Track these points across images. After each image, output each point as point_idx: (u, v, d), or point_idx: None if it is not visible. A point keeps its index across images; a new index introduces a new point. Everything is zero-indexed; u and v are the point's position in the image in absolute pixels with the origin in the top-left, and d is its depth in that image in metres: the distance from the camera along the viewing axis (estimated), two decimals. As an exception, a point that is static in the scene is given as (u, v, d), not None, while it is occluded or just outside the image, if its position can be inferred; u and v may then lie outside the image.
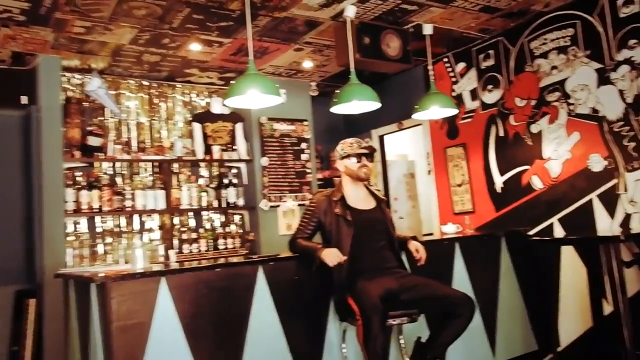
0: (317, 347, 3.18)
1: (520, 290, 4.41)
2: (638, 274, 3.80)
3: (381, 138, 6.21)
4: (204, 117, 5.36)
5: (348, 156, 3.23)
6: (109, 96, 4.81)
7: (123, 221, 4.86)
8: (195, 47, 4.53)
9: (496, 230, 4.61)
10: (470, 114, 5.06)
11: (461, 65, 5.13)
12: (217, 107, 5.42)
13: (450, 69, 5.23)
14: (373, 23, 4.18)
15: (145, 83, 5.24)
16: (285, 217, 5.38)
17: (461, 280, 4.02)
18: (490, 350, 4.04)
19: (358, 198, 3.28)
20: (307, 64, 5.20)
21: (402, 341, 3.26)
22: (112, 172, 4.85)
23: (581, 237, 4.02)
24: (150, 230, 4.98)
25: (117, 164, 4.88)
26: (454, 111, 4.28)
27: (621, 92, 3.92)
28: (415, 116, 4.35)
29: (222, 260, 3.87)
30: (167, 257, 4.76)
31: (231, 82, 3.33)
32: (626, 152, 3.90)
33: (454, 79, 5.19)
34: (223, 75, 5.30)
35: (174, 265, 3.64)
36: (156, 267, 3.04)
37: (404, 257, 3.31)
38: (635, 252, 3.80)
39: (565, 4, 4.21)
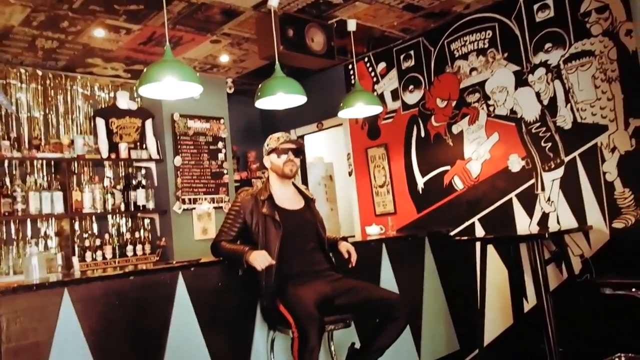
0: (244, 359, 2.91)
1: (443, 290, 4.41)
2: (556, 271, 3.91)
3: (301, 138, 6.03)
4: (109, 112, 4.89)
5: (274, 151, 3.01)
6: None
7: (13, 228, 4.28)
8: (99, 34, 4.08)
9: (418, 231, 4.59)
10: (392, 114, 5.02)
11: (382, 65, 5.09)
12: (124, 101, 4.96)
13: (371, 69, 5.17)
14: (297, 15, 4.00)
15: (40, 73, 4.67)
16: (201, 220, 5.04)
17: (388, 281, 3.94)
18: (416, 352, 3.99)
19: (286, 197, 3.07)
20: (224, 58, 4.91)
21: (332, 348, 3.08)
22: (-1, 172, 4.26)
23: (504, 235, 4.08)
24: (46, 236, 4.43)
25: (6, 163, 4.30)
26: (379, 109, 4.20)
27: (538, 94, 4.04)
28: (340, 114, 4.22)
29: (133, 268, 3.48)
30: (68, 265, 4.24)
31: (145, 69, 2.98)
32: (543, 153, 4.01)
33: (374, 79, 5.14)
34: (130, 67, 4.86)
35: (78, 274, 3.20)
36: (56, 277, 2.62)
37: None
38: (552, 250, 3.90)
39: (485, 6, 4.28)
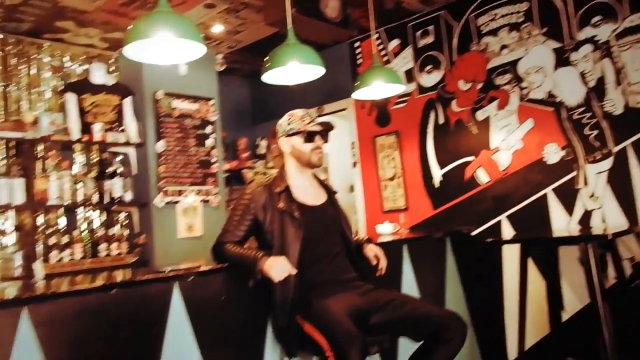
0: (254, 392, 2.33)
1: (465, 298, 3.90)
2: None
3: (296, 125, 5.44)
4: (82, 87, 4.19)
5: (296, 133, 2.43)
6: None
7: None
8: (72, -10, 3.42)
9: (435, 230, 4.06)
10: (405, 99, 4.46)
11: (395, 43, 4.52)
12: (100, 75, 4.26)
13: (382, 47, 4.60)
14: (310, -25, 3.40)
15: (-1, 37, 3.97)
16: (186, 215, 4.39)
17: (410, 289, 3.41)
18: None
19: (306, 190, 2.50)
20: (217, 28, 4.28)
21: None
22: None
23: (540, 236, 3.57)
24: (3, 233, 3.74)
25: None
26: (401, 87, 3.62)
27: (582, 74, 3.54)
28: (355, 95, 3.63)
29: (106, 275, 2.83)
30: (28, 268, 3.56)
31: (134, 23, 2.34)
32: (587, 142, 3.52)
33: (385, 58, 4.57)
34: (108, 35, 4.18)
35: (41, 281, 2.54)
36: (11, 290, 1.98)
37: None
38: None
39: (520, -25, 3.77)
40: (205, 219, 4.47)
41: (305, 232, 2.33)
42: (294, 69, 2.95)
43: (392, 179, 4.55)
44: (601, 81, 3.46)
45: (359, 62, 4.75)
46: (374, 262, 2.56)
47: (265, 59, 2.96)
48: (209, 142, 4.63)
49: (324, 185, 2.63)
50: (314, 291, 2.27)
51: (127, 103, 4.33)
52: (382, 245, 3.19)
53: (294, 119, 2.46)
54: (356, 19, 3.96)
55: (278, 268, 2.16)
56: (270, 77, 3.03)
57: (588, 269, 3.00)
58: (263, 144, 5.57)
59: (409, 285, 3.43)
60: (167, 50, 2.49)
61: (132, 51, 2.40)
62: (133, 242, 4.22)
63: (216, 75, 4.81)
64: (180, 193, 4.38)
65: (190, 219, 4.41)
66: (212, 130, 4.66)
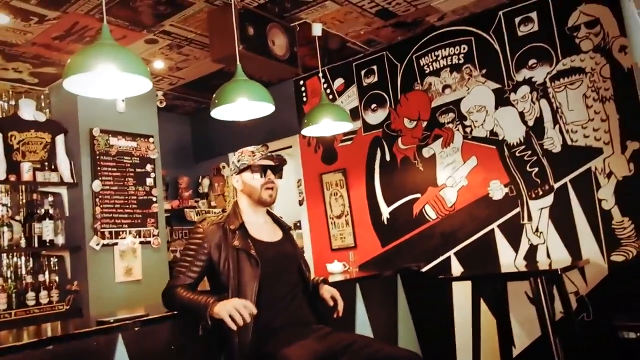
0: None
1: (416, 335, 3.87)
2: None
3: (240, 163, 5.32)
4: (10, 124, 3.92)
5: (247, 168, 2.35)
6: None
7: None
8: (1, 19, 3.20)
9: (384, 268, 4.03)
10: (351, 136, 4.47)
11: (339, 81, 4.56)
12: (29, 111, 4.01)
13: (326, 85, 4.62)
14: (258, 12, 3.36)
15: None
16: (124, 258, 4.12)
17: (363, 327, 3.35)
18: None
19: (261, 227, 2.40)
20: (159, 65, 4.15)
21: None
22: None
23: (490, 272, 3.60)
24: None
25: None
26: (349, 126, 3.63)
27: (522, 114, 3.67)
28: (304, 132, 3.59)
29: (38, 329, 2.57)
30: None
31: (73, 56, 2.19)
32: (529, 178, 3.62)
33: (330, 97, 4.58)
34: (38, 69, 3.95)
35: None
36: None
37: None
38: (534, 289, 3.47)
39: (460, 18, 3.90)
40: (145, 262, 4.22)
41: (262, 270, 2.22)
42: (243, 105, 2.88)
43: (339, 216, 4.50)
44: (540, 120, 3.59)
45: (304, 99, 4.74)
46: (331, 304, 2.47)
47: (214, 95, 2.87)
48: (149, 181, 4.43)
49: (279, 222, 2.54)
50: (273, 337, 2.14)
51: (60, 141, 4.08)
52: (336, 285, 3.10)
53: (244, 154, 2.39)
54: (302, 57, 3.95)
55: (231, 310, 2.02)
56: (219, 113, 2.94)
57: (539, 304, 3.04)
58: (205, 182, 5.40)
59: (363, 325, 3.36)
60: (110, 84, 2.36)
61: (72, 84, 2.26)
62: (65, 289, 3.91)
63: (156, 112, 4.65)
64: (118, 235, 4.12)
65: (128, 262, 4.15)
66: (152, 169, 4.47)
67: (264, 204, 2.39)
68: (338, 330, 2.32)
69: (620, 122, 3.31)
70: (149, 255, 4.26)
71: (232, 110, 2.95)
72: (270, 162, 2.37)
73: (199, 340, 2.13)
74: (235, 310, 2.02)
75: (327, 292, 2.49)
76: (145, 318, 2.09)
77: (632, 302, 3.14)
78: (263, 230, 2.38)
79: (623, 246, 3.29)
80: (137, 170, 4.36)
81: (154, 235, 4.35)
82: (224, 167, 5.37)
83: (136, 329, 2.01)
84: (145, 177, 4.41)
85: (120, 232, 4.14)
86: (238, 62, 2.94)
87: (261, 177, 2.34)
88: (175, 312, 2.18)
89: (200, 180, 5.44)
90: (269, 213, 2.51)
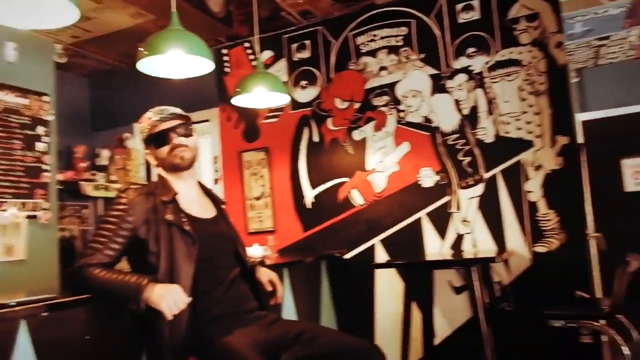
0: None
1: (336, 322, 3.71)
2: (468, 301, 3.47)
3: (147, 135, 4.81)
4: None
5: (150, 138, 1.99)
6: None
7: None
8: None
9: (304, 254, 3.81)
10: (277, 113, 4.18)
11: (268, 54, 4.23)
12: None
13: (252, 57, 4.28)
14: (193, -41, 2.97)
15: None
16: (5, 234, 3.50)
17: (289, 312, 3.11)
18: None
19: (192, 200, 2.07)
20: (63, 10, 3.55)
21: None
22: None
23: (417, 260, 3.52)
24: None
25: None
26: (286, 98, 3.34)
27: (457, 102, 3.62)
28: (235, 100, 3.24)
29: None
30: None
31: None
32: (460, 168, 3.59)
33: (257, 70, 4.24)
34: None
35: None
36: None
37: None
38: (467, 277, 3.46)
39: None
40: (30, 239, 3.61)
41: (199, 250, 1.89)
42: (176, 58, 2.50)
43: (258, 198, 4.20)
44: (474, 110, 3.57)
45: (226, 70, 4.36)
46: (269, 288, 2.21)
47: (142, 45, 2.45)
48: (40, 146, 3.81)
49: (212, 195, 2.21)
50: (211, 326, 1.83)
51: None
52: (271, 268, 2.84)
53: (143, 124, 2.04)
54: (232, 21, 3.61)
55: (171, 299, 1.69)
56: (146, 66, 2.52)
57: (472, 292, 3.00)
58: (105, 154, 4.81)
59: (289, 311, 3.13)
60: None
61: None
62: None
63: (53, 68, 4.02)
64: (-1, 206, 3.49)
65: (10, 239, 3.53)
66: (46, 132, 3.85)
67: (178, 168, 2.02)
68: (285, 319, 2.07)
69: (552, 117, 3.37)
70: (35, 231, 3.66)
71: (162, 64, 2.54)
72: (171, 123, 2.02)
73: (119, 328, 1.75)
74: (168, 298, 1.68)
75: (264, 275, 2.22)
76: (55, 301, 1.67)
77: (554, 291, 3.21)
78: (194, 203, 2.04)
79: (546, 238, 3.35)
80: (27, 132, 3.73)
81: (43, 209, 3.75)
82: (127, 137, 4.83)
83: (43, 314, 1.60)
84: (35, 140, 3.78)
85: (1, 203, 3.51)
86: (174, 9, 2.54)
87: (166, 143, 2.00)
88: (90, 296, 1.77)
89: (98, 151, 4.84)
90: (200, 185, 2.18)
